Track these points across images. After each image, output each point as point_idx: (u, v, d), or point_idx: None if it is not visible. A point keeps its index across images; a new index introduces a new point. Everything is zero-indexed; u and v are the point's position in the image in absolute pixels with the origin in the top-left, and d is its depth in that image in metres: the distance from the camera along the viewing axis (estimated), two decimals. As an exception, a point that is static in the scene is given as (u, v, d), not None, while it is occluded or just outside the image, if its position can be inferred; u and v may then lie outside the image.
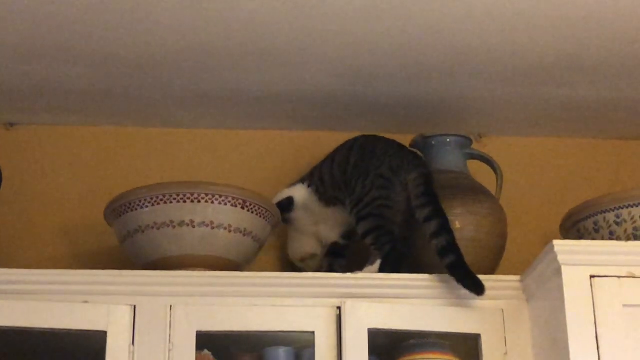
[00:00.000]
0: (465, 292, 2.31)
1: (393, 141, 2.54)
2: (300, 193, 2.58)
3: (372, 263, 2.40)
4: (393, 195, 2.44)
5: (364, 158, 2.50)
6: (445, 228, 2.34)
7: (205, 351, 2.31)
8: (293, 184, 2.61)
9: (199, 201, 2.35)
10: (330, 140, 2.65)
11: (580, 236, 2.44)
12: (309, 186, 2.57)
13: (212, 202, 2.35)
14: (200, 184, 2.38)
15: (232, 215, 2.37)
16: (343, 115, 2.76)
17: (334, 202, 2.53)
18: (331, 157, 2.56)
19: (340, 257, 2.58)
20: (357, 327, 2.28)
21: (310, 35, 2.36)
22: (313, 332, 2.29)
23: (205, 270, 2.35)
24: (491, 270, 2.49)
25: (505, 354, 2.33)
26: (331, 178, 2.53)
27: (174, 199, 2.34)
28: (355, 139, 2.56)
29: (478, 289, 2.28)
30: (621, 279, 2.18)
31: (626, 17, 2.29)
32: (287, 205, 2.56)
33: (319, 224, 2.58)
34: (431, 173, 2.47)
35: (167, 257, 2.35)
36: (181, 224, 2.34)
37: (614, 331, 2.14)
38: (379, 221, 2.42)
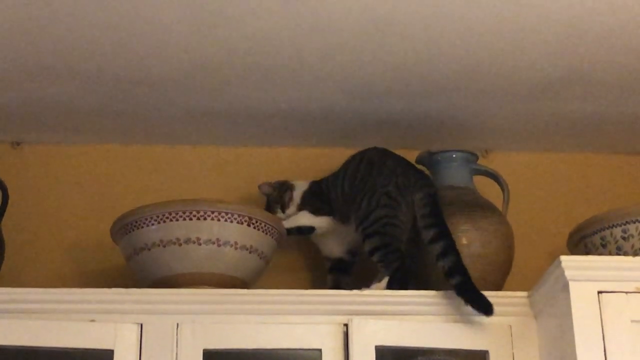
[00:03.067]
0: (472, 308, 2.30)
1: (401, 158, 2.54)
2: (322, 225, 2.57)
3: (379, 280, 2.39)
4: (399, 214, 2.43)
5: (371, 173, 2.49)
6: (451, 249, 2.34)
7: (212, 369, 2.30)
8: (315, 211, 2.57)
9: (205, 219, 2.34)
10: (336, 156, 2.65)
11: (587, 251, 2.44)
12: (333, 218, 2.56)
13: (218, 220, 2.35)
14: (206, 202, 2.38)
15: (238, 232, 2.36)
16: (349, 132, 2.76)
17: (347, 218, 2.53)
18: (343, 171, 2.55)
19: (346, 274, 2.58)
20: (364, 344, 2.27)
21: (315, 52, 2.36)
22: (320, 350, 2.28)
23: (211, 288, 2.35)
24: (498, 287, 2.49)
25: (513, 370, 2.33)
26: (342, 192, 2.52)
27: (180, 216, 2.34)
28: (365, 152, 2.55)
29: (487, 309, 2.28)
30: (629, 294, 2.17)
31: (632, 32, 2.29)
32: (307, 232, 2.57)
33: (326, 237, 2.58)
34: (437, 193, 2.46)
35: (174, 275, 2.35)
36: (187, 241, 2.34)
37: (622, 347, 2.13)
38: (386, 239, 2.41)
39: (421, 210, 2.41)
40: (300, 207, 2.59)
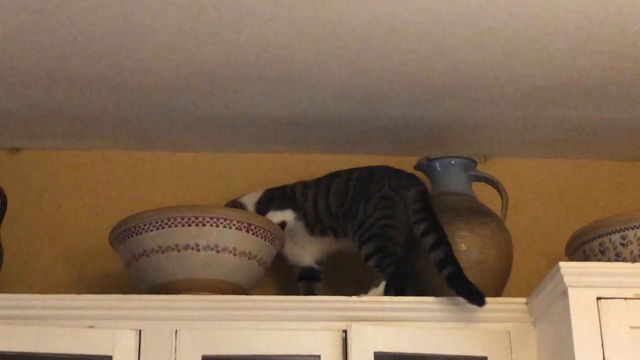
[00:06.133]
0: (471, 314, 2.30)
1: (389, 167, 2.55)
2: (289, 219, 2.56)
3: (377, 285, 2.39)
4: (398, 213, 2.45)
5: (363, 186, 2.50)
6: (442, 241, 2.36)
7: (211, 375, 2.30)
8: (280, 207, 2.56)
9: (204, 225, 2.34)
10: (336, 162, 2.65)
11: (586, 258, 2.44)
12: (297, 216, 2.55)
13: (217, 226, 2.35)
14: (204, 208, 2.37)
15: (237, 238, 2.36)
16: (349, 138, 2.76)
17: (326, 232, 2.52)
18: (325, 188, 2.54)
19: (318, 281, 2.57)
20: (363, 350, 2.27)
21: (315, 58, 2.37)
22: (319, 356, 2.28)
23: (210, 294, 2.34)
24: (497, 293, 2.49)
25: (512, 376, 2.32)
26: (327, 209, 2.52)
27: (179, 222, 2.34)
28: (350, 171, 2.55)
29: (478, 299, 2.28)
30: (628, 300, 2.17)
31: (632, 38, 2.29)
32: (282, 228, 2.55)
33: (296, 247, 2.57)
34: (428, 191, 2.49)
35: (172, 281, 2.35)
36: (186, 247, 2.34)
37: (621, 353, 2.12)
38: (382, 242, 2.42)
39: (413, 206, 2.43)
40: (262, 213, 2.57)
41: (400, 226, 2.44)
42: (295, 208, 2.55)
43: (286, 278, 2.68)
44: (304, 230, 2.55)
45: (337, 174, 2.57)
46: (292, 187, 2.60)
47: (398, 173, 2.53)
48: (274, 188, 2.62)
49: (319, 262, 2.59)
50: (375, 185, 2.49)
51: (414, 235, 2.43)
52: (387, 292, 2.37)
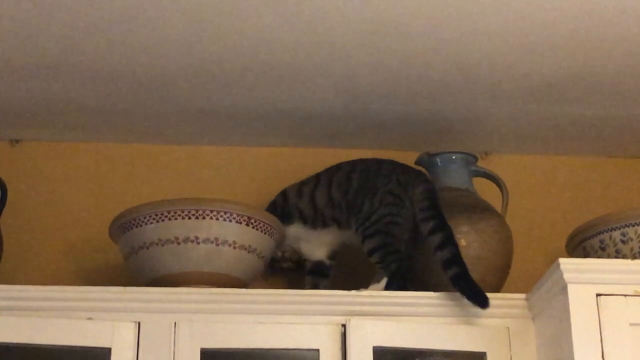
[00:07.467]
0: (471, 310, 2.30)
1: (396, 161, 2.55)
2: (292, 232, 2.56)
3: (378, 281, 2.39)
4: (403, 210, 2.44)
5: (368, 179, 2.50)
6: (449, 240, 2.35)
7: (209, 368, 2.30)
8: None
9: (204, 217, 2.34)
10: (336, 157, 2.65)
11: (586, 254, 2.44)
12: (296, 224, 2.55)
13: (217, 219, 2.35)
14: (204, 201, 2.37)
15: (237, 231, 2.36)
16: (347, 133, 2.76)
17: (328, 223, 2.52)
18: (326, 180, 2.54)
19: (325, 277, 2.57)
20: (361, 345, 2.27)
21: (314, 52, 2.36)
22: (317, 350, 2.28)
23: (209, 287, 2.34)
24: (497, 289, 2.49)
25: (511, 372, 2.32)
26: (329, 200, 2.51)
27: (179, 215, 2.34)
28: (354, 162, 2.55)
29: (482, 301, 2.28)
30: (627, 297, 2.17)
31: (633, 35, 2.29)
32: None
33: (305, 243, 2.57)
34: (435, 188, 2.48)
35: (172, 274, 2.35)
36: (185, 240, 2.33)
37: (620, 350, 2.13)
38: (386, 239, 2.42)
39: (420, 203, 2.42)
40: None
41: (405, 223, 2.44)
42: (289, 218, 2.54)
43: (286, 271, 2.68)
44: (304, 227, 2.54)
45: (338, 167, 2.56)
46: (284, 194, 2.58)
47: (406, 169, 2.52)
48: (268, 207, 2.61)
49: (330, 257, 2.58)
50: (383, 178, 2.48)
51: (417, 233, 2.42)
52: (388, 289, 2.37)
